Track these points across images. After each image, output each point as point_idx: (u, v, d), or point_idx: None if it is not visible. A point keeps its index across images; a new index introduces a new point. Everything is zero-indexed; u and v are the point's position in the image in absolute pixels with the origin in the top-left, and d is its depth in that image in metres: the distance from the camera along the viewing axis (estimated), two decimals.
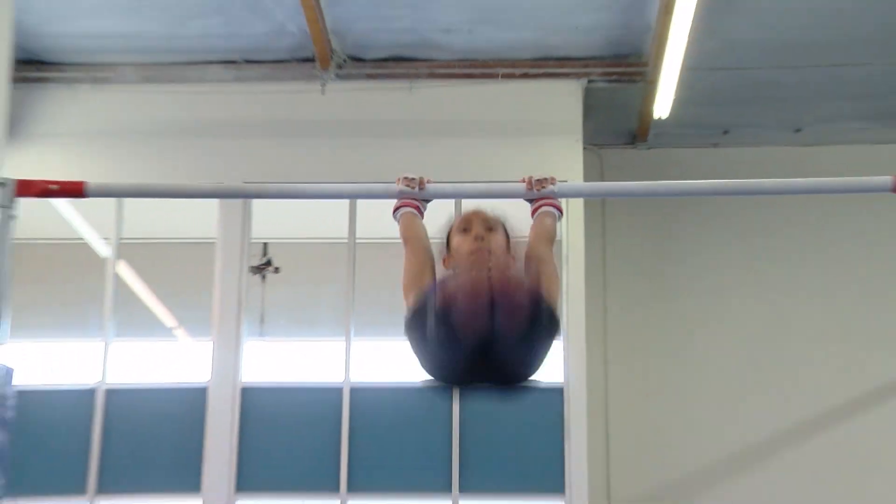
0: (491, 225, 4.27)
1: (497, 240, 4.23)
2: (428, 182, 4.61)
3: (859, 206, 12.60)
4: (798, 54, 11.88)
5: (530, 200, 4.66)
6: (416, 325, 4.00)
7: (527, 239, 4.46)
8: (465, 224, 4.29)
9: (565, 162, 11.76)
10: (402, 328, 4.31)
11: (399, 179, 4.50)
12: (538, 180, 4.56)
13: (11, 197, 4.59)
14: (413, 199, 4.64)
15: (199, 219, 12.81)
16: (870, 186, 4.58)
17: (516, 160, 10.83)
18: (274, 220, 13.34)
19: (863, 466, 12.38)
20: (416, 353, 4.07)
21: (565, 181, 4.55)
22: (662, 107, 12.05)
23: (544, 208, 4.63)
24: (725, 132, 13.37)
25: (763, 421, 12.69)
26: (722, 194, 12.21)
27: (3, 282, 4.53)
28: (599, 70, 12.24)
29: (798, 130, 13.32)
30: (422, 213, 4.66)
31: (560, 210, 4.66)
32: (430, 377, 4.15)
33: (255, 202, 12.48)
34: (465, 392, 4.72)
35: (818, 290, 12.97)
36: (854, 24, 11.38)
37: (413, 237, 4.53)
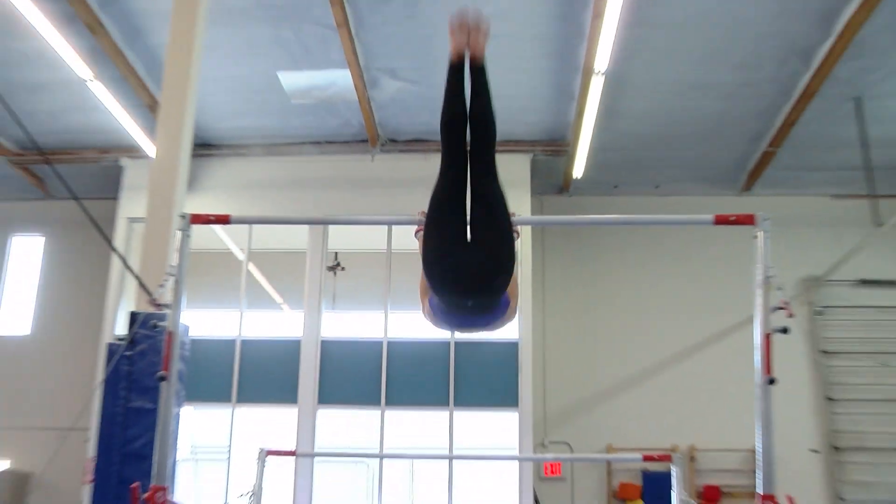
0: None
1: None
2: None
3: (693, 236, 12.65)
4: (657, 141, 11.98)
5: None
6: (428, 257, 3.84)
7: None
8: None
9: (519, 204, 11.78)
10: (420, 307, 4.23)
11: (419, 213, 4.24)
12: None
13: (188, 224, 4.63)
14: None
15: (297, 237, 12.84)
16: (700, 221, 4.60)
17: None
18: (342, 237, 13.32)
19: (701, 381, 12.43)
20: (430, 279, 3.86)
21: (519, 215, 4.53)
22: (578, 170, 12.11)
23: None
24: (615, 187, 13.28)
25: (640, 358, 12.73)
26: (613, 224, 12.40)
27: (182, 275, 4.56)
28: (540, 148, 12.27)
29: (657, 186, 13.25)
30: None
31: (518, 233, 4.33)
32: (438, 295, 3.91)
33: (331, 226, 12.55)
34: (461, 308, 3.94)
35: (673, 279, 12.98)
36: (687, 125, 11.58)
37: None
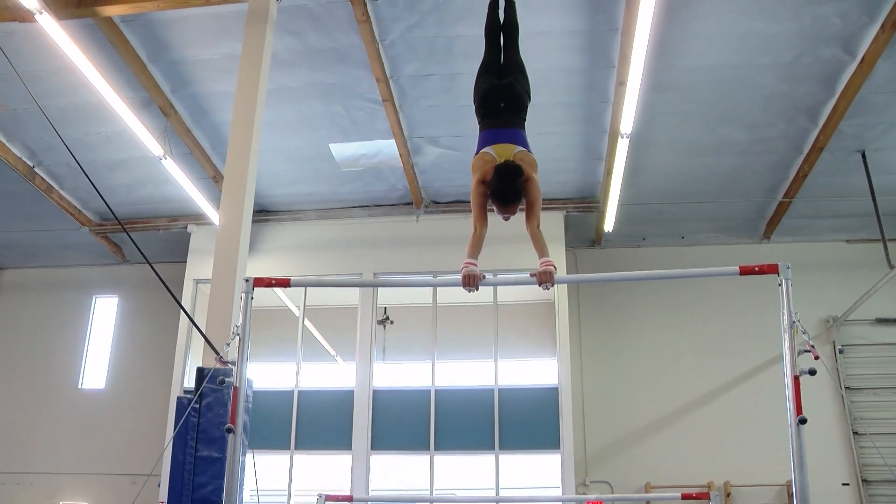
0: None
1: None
2: (481, 276, 4.35)
3: (719, 282, 12.35)
4: (681, 196, 11.92)
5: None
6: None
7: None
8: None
9: (554, 258, 11.67)
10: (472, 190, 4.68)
11: (463, 266, 4.35)
12: (542, 273, 4.33)
13: (251, 287, 4.63)
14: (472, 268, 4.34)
15: (349, 293, 12.91)
16: (724, 272, 4.53)
17: (527, 256, 10.87)
18: (391, 293, 13.35)
19: (733, 419, 12.08)
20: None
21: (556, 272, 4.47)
22: (608, 225, 12.00)
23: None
24: (643, 239, 13.20)
25: (674, 399, 12.43)
26: (646, 279, 12.16)
27: (246, 332, 4.54)
28: (572, 205, 12.29)
29: (683, 237, 13.13)
30: (477, 284, 4.31)
31: (555, 267, 4.45)
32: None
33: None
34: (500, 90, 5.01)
35: (702, 322, 12.71)
36: (708, 180, 11.58)
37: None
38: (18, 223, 13.00)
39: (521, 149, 4.69)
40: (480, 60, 5.30)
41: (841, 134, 10.20)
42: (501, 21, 5.41)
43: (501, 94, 4.90)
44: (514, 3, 5.54)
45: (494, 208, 4.60)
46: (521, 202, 4.58)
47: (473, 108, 5.09)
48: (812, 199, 11.77)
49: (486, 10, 5.53)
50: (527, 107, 4.99)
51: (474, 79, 5.24)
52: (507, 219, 4.73)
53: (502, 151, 4.65)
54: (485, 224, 4.54)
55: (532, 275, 4.37)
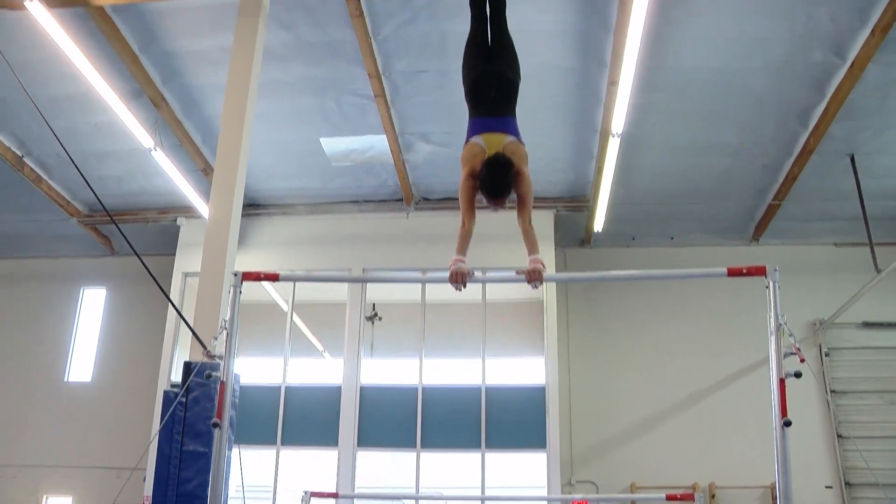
0: None
1: None
2: (469, 273, 4.34)
3: (707, 283, 12.40)
4: (670, 196, 11.93)
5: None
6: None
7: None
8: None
9: (543, 257, 11.69)
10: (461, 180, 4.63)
11: (451, 263, 4.35)
12: (531, 271, 4.31)
13: (240, 281, 4.62)
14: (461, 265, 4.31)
15: (337, 289, 12.88)
16: (714, 274, 4.54)
17: (517, 254, 10.85)
18: (379, 289, 13.34)
19: (718, 421, 12.13)
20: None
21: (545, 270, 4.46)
22: (598, 224, 12.02)
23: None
24: (633, 239, 13.18)
25: (660, 400, 12.45)
26: (635, 279, 12.20)
27: (234, 327, 4.53)
28: (563, 204, 12.28)
29: (672, 238, 13.12)
30: (465, 281, 4.29)
31: (544, 265, 4.41)
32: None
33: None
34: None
35: (689, 324, 12.73)
36: (698, 181, 11.58)
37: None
38: (6, 213, 12.91)
39: (512, 139, 4.58)
40: (467, 34, 5.08)
41: (830, 137, 10.22)
42: None
43: (492, 82, 4.73)
44: None
45: (484, 200, 4.53)
46: (511, 196, 4.50)
47: (463, 91, 4.92)
48: (801, 202, 11.79)
49: None
50: (518, 90, 4.83)
51: (462, 56, 5.05)
52: (496, 210, 4.64)
53: (492, 142, 4.56)
54: (473, 219, 4.50)
55: (520, 272, 4.35)
